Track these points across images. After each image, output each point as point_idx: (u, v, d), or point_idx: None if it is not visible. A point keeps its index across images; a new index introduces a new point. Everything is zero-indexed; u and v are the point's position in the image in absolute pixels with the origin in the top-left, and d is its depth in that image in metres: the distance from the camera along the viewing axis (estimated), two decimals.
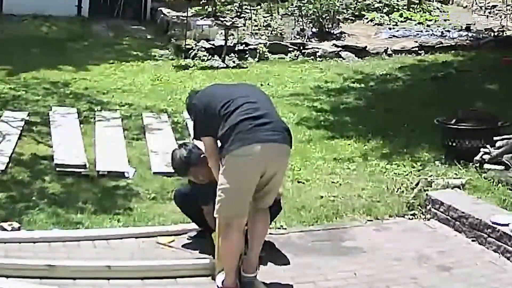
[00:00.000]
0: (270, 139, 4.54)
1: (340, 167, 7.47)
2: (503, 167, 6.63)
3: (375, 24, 15.10)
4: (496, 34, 14.21)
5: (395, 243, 5.71)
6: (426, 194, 6.31)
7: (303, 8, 14.19)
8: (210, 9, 14.96)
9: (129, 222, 5.91)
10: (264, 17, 14.64)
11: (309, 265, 5.20)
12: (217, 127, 4.60)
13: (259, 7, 15.29)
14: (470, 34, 14.29)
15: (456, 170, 6.83)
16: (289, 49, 13.24)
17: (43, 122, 8.62)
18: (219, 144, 4.69)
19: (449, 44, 13.73)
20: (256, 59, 12.89)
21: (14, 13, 15.09)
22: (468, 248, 5.59)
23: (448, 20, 15.46)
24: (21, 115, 8.75)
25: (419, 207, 6.29)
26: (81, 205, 6.23)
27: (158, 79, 11.35)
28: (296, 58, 13.11)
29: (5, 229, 5.47)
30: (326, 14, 14.19)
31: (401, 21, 15.25)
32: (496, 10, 16.27)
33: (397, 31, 14.49)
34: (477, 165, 6.79)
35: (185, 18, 13.90)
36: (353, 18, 15.34)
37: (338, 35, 14.08)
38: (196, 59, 12.64)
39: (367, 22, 15.25)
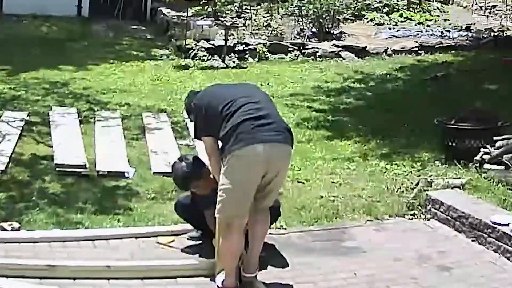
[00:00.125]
0: (272, 140, 4.54)
1: (340, 167, 7.47)
2: (503, 167, 6.63)
3: (375, 24, 15.09)
4: (496, 34, 14.20)
5: (395, 243, 5.71)
6: (426, 194, 6.31)
7: (303, 8, 14.18)
8: (210, 9, 14.95)
9: (129, 222, 5.91)
10: (264, 17, 14.64)
11: (309, 265, 5.20)
12: (218, 127, 4.60)
13: (259, 7, 15.29)
14: (470, 34, 14.28)
15: (456, 170, 6.83)
16: (289, 49, 13.23)
17: (43, 122, 8.62)
18: (220, 144, 4.69)
19: (449, 44, 13.73)
20: (256, 59, 12.89)
21: (14, 13, 15.09)
22: (468, 248, 5.60)
23: (448, 20, 15.46)
24: (21, 115, 8.74)
25: (419, 207, 6.29)
26: (81, 205, 6.23)
27: (158, 79, 11.34)
28: (296, 58, 13.11)
29: (5, 229, 5.47)
30: (326, 14, 14.19)
31: (401, 21, 15.24)
32: (496, 10, 16.27)
33: (397, 31, 14.49)
34: (477, 165, 6.79)
35: (185, 18, 13.90)
36: (353, 18, 15.33)
37: (338, 35, 14.07)
38: (196, 59, 12.64)
39: (367, 22, 15.24)
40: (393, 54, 13.34)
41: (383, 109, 9.83)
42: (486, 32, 14.37)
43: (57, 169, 7.05)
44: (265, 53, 13.00)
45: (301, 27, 14.14)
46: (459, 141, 7.18)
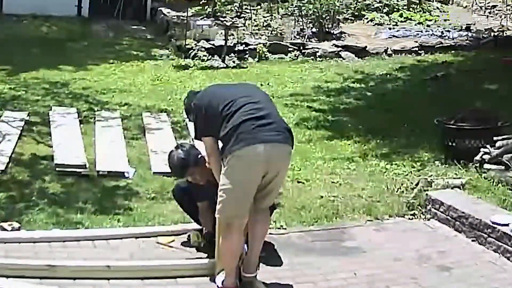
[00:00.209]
0: (273, 140, 4.54)
1: (340, 167, 7.47)
2: (503, 167, 6.63)
3: (375, 24, 15.10)
4: (496, 34, 14.20)
5: (395, 243, 5.71)
6: (426, 194, 6.31)
7: (303, 8, 14.18)
8: (210, 9, 14.95)
9: (129, 222, 5.91)
10: (264, 17, 14.64)
11: (309, 265, 5.20)
12: (218, 127, 4.60)
13: (259, 7, 15.30)
14: (470, 34, 14.28)
15: (456, 170, 6.83)
16: (289, 49, 13.23)
17: (43, 122, 8.61)
18: (220, 144, 4.69)
19: (449, 44, 13.74)
20: (256, 59, 12.89)
21: (14, 13, 15.09)
22: (468, 248, 5.60)
23: (448, 20, 15.46)
24: (21, 115, 8.74)
25: (419, 207, 6.29)
26: (81, 205, 6.23)
27: (158, 79, 11.34)
28: (296, 58, 13.11)
29: (5, 229, 5.47)
30: (326, 14, 14.19)
31: (401, 21, 15.25)
32: (496, 10, 16.27)
33: (397, 31, 14.49)
34: (477, 165, 6.79)
35: (185, 18, 13.90)
36: (353, 18, 15.34)
37: (338, 35, 14.08)
38: (196, 59, 12.64)
39: (367, 22, 15.25)
40: (393, 54, 13.35)
41: (383, 109, 9.83)
42: (486, 32, 14.37)
43: (57, 169, 7.05)
44: (265, 53, 13.00)
45: (301, 27, 14.14)
46: (459, 141, 7.18)
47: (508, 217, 5.54)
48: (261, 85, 11.04)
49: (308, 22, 14.20)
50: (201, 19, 14.38)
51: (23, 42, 13.18)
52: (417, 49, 13.52)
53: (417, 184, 6.56)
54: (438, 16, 15.76)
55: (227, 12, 15.12)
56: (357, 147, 8.21)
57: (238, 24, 14.12)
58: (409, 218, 6.23)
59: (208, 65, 12.44)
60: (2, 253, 5.07)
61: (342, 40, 13.85)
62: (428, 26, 14.95)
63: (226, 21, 14.18)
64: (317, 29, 14.06)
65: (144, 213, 6.12)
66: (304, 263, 5.24)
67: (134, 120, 8.99)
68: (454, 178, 6.60)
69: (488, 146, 6.88)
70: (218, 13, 14.91)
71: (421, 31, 14.43)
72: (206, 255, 5.17)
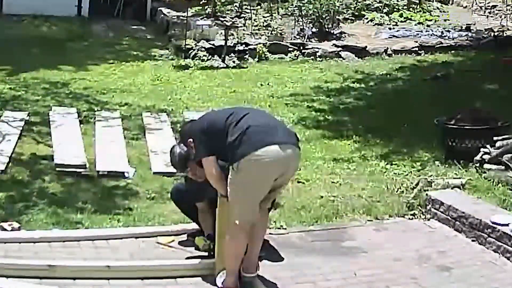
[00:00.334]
0: (286, 141, 4.56)
1: (340, 167, 7.47)
2: (503, 167, 6.63)
3: (375, 24, 15.09)
4: (496, 34, 14.20)
5: (395, 243, 5.71)
6: (426, 194, 6.31)
7: (303, 8, 14.18)
8: (210, 9, 14.95)
9: (129, 222, 5.91)
10: (264, 17, 14.64)
11: (309, 265, 5.20)
12: (223, 139, 4.55)
13: (259, 7, 15.29)
14: (470, 34, 14.28)
15: (456, 170, 6.83)
16: (289, 49, 13.23)
17: (43, 122, 8.62)
18: (224, 153, 4.65)
19: (449, 44, 13.73)
20: (256, 59, 12.89)
21: (14, 13, 15.09)
22: (468, 248, 5.60)
23: (448, 20, 15.46)
24: (21, 115, 8.75)
25: (419, 207, 6.29)
26: (81, 205, 6.23)
27: (158, 79, 11.34)
28: (296, 58, 13.11)
29: (5, 229, 5.47)
30: (326, 14, 14.18)
31: (401, 21, 15.24)
32: (496, 10, 16.26)
33: (397, 31, 14.48)
34: (477, 165, 6.79)
35: (185, 18, 13.89)
36: (353, 18, 15.32)
37: (338, 35, 14.07)
38: (196, 59, 12.64)
39: (367, 22, 15.24)
40: (393, 54, 13.34)
41: (383, 109, 9.83)
42: (486, 32, 14.37)
43: (57, 169, 7.05)
44: (265, 53, 13.00)
45: (301, 27, 14.13)
46: (459, 141, 7.17)
47: (508, 217, 5.54)
48: (261, 85, 11.09)
49: (308, 22, 14.19)
50: (201, 19, 14.38)
51: (23, 42, 13.18)
52: (417, 49, 13.51)
53: (417, 184, 6.56)
54: (438, 16, 15.76)
55: (227, 12, 15.12)
56: (357, 147, 8.21)
57: (238, 24, 14.12)
58: (409, 218, 6.23)
59: (208, 65, 12.44)
60: (2, 253, 5.07)
61: (342, 40, 13.84)
62: (428, 26, 14.94)
63: (226, 21, 14.17)
64: (317, 29, 14.05)
65: (144, 213, 6.12)
66: (304, 263, 5.24)
67: (134, 120, 8.99)
68: (454, 178, 6.60)
69: (488, 146, 6.88)
70: (218, 13, 14.91)
71: (421, 31, 14.43)
72: (206, 255, 5.16)
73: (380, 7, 15.60)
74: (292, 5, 14.73)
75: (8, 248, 5.16)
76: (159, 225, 5.84)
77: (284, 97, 10.41)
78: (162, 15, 15.67)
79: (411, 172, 7.14)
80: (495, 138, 6.92)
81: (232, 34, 13.33)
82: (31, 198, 6.32)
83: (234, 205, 4.58)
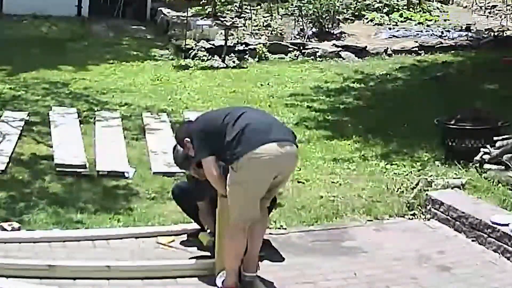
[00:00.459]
0: (284, 139, 4.56)
1: (340, 167, 7.47)
2: (503, 167, 6.63)
3: (375, 24, 15.09)
4: (496, 34, 14.20)
5: (395, 243, 5.71)
6: (426, 194, 6.31)
7: (303, 8, 14.18)
8: (210, 9, 14.95)
9: (129, 222, 5.91)
10: (264, 17, 14.64)
11: (309, 265, 5.20)
12: (222, 138, 4.55)
13: (259, 7, 15.29)
14: (470, 34, 14.28)
15: (456, 170, 6.83)
16: (289, 49, 13.23)
17: (43, 122, 8.62)
18: (222, 153, 4.65)
19: (449, 44, 13.74)
20: (256, 59, 12.89)
21: (14, 13, 15.10)
22: (468, 248, 5.60)
23: (448, 20, 15.46)
24: (21, 115, 8.75)
25: (419, 207, 6.29)
26: (81, 205, 6.23)
27: (158, 79, 11.34)
28: (296, 58, 13.11)
29: (5, 229, 5.47)
30: (326, 14, 14.19)
31: (401, 21, 15.24)
32: (496, 10, 16.27)
33: (397, 31, 14.49)
34: (477, 165, 6.79)
35: (185, 18, 13.90)
36: (353, 18, 15.33)
37: (338, 35, 14.07)
38: (196, 59, 12.64)
39: (367, 22, 15.24)
40: (393, 54, 13.35)
41: (383, 109, 9.83)
42: (486, 32, 14.37)
43: (57, 169, 7.05)
44: (265, 53, 13.00)
45: (301, 27, 14.13)
46: (459, 141, 7.18)
47: (508, 217, 5.54)
48: (261, 85, 11.08)
49: (308, 22, 14.19)
50: (201, 19, 14.38)
51: (23, 42, 13.18)
52: (417, 49, 13.51)
53: (417, 184, 6.56)
54: (438, 16, 15.76)
55: (227, 12, 15.12)
56: (357, 147, 8.21)
57: (238, 24, 14.12)
58: (409, 218, 6.22)
59: (208, 65, 12.44)
60: (2, 253, 5.06)
61: (342, 40, 13.85)
62: (428, 26, 14.95)
63: (226, 21, 14.18)
64: (317, 29, 14.05)
65: (144, 213, 6.12)
66: (304, 263, 5.24)
67: (134, 120, 8.99)
68: (454, 178, 6.60)
69: (488, 146, 6.88)
70: (218, 13, 14.91)
71: (421, 31, 14.43)
72: (206, 255, 5.16)
73: (380, 7, 15.60)
74: (292, 5, 14.73)
75: (8, 248, 5.16)
76: (159, 225, 5.84)
77: (284, 97, 10.42)
78: (162, 15, 15.67)
79: (411, 172, 7.14)
80: (495, 138, 6.92)
81: (232, 34, 13.33)
82: (31, 198, 6.32)
83: (233, 204, 4.58)
